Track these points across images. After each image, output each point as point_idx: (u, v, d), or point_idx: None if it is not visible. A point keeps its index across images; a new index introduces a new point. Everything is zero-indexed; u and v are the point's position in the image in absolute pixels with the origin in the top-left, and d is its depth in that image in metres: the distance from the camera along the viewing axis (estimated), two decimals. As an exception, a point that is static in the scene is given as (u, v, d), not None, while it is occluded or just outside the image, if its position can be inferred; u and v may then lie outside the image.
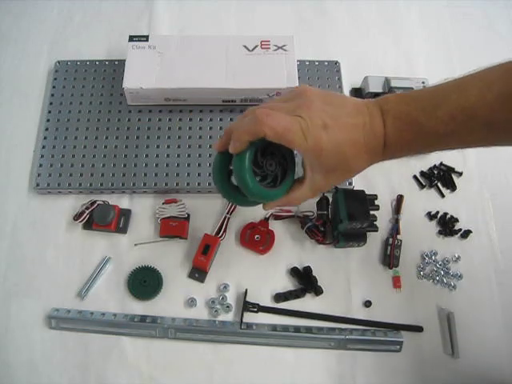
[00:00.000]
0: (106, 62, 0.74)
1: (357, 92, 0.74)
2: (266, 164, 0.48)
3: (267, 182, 0.48)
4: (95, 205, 0.63)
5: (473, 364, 0.59)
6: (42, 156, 0.67)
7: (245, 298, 0.59)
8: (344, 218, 0.57)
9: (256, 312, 0.59)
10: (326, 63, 0.75)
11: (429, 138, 0.44)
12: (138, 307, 0.60)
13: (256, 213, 0.65)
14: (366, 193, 0.60)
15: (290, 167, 0.49)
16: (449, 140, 0.45)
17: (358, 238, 0.61)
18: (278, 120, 0.43)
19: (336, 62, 0.75)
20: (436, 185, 0.68)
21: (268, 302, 0.60)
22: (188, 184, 0.65)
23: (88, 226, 0.63)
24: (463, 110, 0.42)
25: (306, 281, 0.61)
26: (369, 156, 0.46)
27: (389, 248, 0.63)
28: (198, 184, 0.66)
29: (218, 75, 0.68)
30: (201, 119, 0.70)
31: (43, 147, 0.67)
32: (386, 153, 0.46)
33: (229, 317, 0.60)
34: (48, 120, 0.69)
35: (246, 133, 0.44)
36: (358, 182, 0.67)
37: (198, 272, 0.61)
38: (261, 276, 0.62)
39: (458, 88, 0.44)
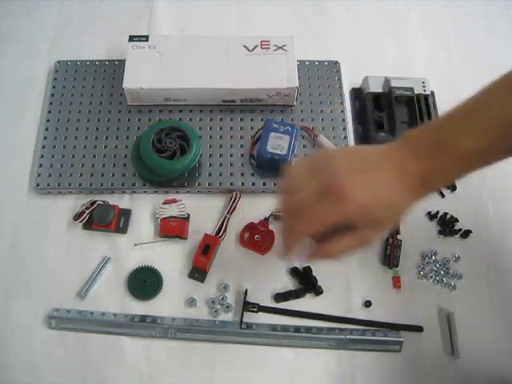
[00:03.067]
0: (106, 62, 0.74)
1: (357, 92, 0.74)
2: (166, 142, 0.63)
3: (166, 155, 0.63)
4: (95, 205, 0.63)
5: (473, 364, 0.58)
6: (42, 156, 0.67)
7: (245, 297, 0.59)
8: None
9: (256, 312, 0.59)
10: (326, 63, 0.75)
11: (466, 158, 0.43)
12: (138, 307, 0.60)
13: (256, 213, 0.65)
14: (366, 193, 0.60)
15: (190, 147, 0.63)
16: (487, 155, 0.44)
17: (358, 238, 0.61)
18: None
19: (336, 62, 0.75)
20: (436, 185, 0.68)
21: (268, 302, 0.60)
22: (188, 184, 0.66)
23: (88, 226, 0.63)
24: (495, 121, 0.42)
25: (306, 281, 0.61)
26: (412, 195, 0.44)
27: (389, 248, 0.63)
28: (198, 184, 0.66)
29: (218, 75, 0.68)
30: (201, 119, 0.70)
31: (43, 147, 0.67)
32: (430, 185, 0.45)
33: (229, 317, 0.60)
34: (48, 120, 0.69)
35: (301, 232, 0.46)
36: (358, 182, 0.67)
37: (198, 272, 0.61)
38: (261, 276, 0.62)
39: (482, 101, 0.43)
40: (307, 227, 0.45)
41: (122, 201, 0.66)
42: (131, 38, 0.70)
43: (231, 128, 0.69)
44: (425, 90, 0.71)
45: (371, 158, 0.45)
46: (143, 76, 0.67)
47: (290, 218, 0.46)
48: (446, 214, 0.66)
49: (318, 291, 0.60)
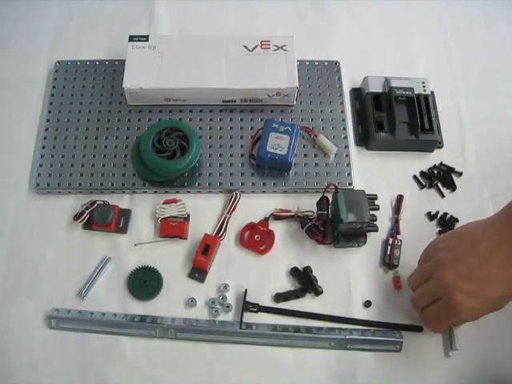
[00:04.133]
0: (106, 62, 0.74)
1: (357, 92, 0.74)
2: (166, 142, 0.63)
3: (166, 155, 0.63)
4: (95, 205, 0.63)
5: (473, 364, 0.58)
6: (42, 156, 0.67)
7: (245, 297, 0.59)
8: (344, 218, 0.57)
9: (256, 312, 0.59)
10: (326, 63, 0.75)
11: None
12: (138, 307, 0.60)
13: (256, 213, 0.65)
14: (366, 193, 0.60)
15: (190, 147, 0.63)
16: None
17: (358, 238, 0.61)
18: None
19: (336, 62, 0.75)
20: (436, 185, 0.68)
21: (268, 302, 0.60)
22: (188, 184, 0.66)
23: (88, 226, 0.63)
24: None
25: (305, 281, 0.61)
26: None
27: (389, 248, 0.63)
28: (198, 184, 0.66)
29: (218, 75, 0.68)
30: (201, 119, 0.70)
31: (43, 147, 0.67)
32: None
33: (229, 317, 0.60)
34: (48, 120, 0.69)
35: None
36: (358, 182, 0.67)
37: (198, 272, 0.61)
38: (261, 276, 0.62)
39: None
40: (436, 327, 0.56)
41: (122, 201, 0.66)
42: (131, 38, 0.70)
43: (231, 128, 0.69)
44: (425, 90, 0.71)
45: (477, 245, 0.50)
46: (143, 76, 0.67)
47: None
48: (445, 214, 0.66)
49: (317, 291, 0.60)
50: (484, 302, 0.50)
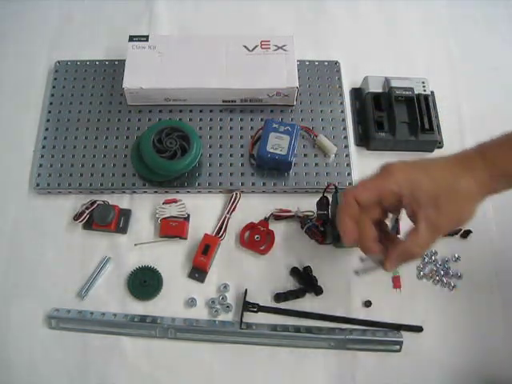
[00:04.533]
0: (106, 62, 0.74)
1: (357, 92, 0.74)
2: (167, 142, 0.63)
3: (167, 155, 0.63)
4: (95, 205, 0.63)
5: (473, 364, 0.58)
6: (42, 156, 0.67)
7: (245, 297, 0.59)
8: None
9: (256, 312, 0.59)
10: (326, 63, 0.75)
11: None
12: (138, 307, 0.60)
13: (256, 213, 0.65)
14: (366, 193, 0.60)
15: (190, 147, 0.63)
16: None
17: (357, 238, 0.61)
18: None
19: (336, 62, 0.75)
20: (436, 185, 0.68)
21: (268, 302, 0.60)
22: (188, 184, 0.66)
23: (88, 226, 0.63)
24: None
25: (305, 281, 0.61)
26: (474, 179, 0.46)
27: (389, 248, 0.63)
28: (198, 184, 0.66)
29: (218, 75, 0.68)
30: (201, 119, 0.70)
31: (43, 147, 0.67)
32: (490, 166, 0.46)
33: (229, 317, 0.60)
34: (48, 120, 0.69)
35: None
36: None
37: (198, 272, 0.61)
38: (261, 276, 0.62)
39: None
40: (358, 194, 0.48)
41: (122, 201, 0.66)
42: (131, 38, 0.70)
43: (231, 128, 0.69)
44: (425, 90, 0.71)
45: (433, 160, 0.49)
46: (143, 76, 0.67)
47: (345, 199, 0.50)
48: (446, 214, 0.66)
49: (318, 291, 0.60)
50: (419, 175, 0.47)
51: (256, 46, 0.70)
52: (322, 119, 0.71)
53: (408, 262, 0.50)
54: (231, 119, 0.70)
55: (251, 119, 0.70)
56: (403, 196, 0.47)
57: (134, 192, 0.66)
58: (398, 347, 0.58)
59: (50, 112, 0.70)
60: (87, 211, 0.62)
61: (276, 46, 0.70)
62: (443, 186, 0.46)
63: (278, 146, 0.64)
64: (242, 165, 0.67)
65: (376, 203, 0.49)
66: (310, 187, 0.66)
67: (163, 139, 0.64)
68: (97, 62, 0.74)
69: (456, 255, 0.64)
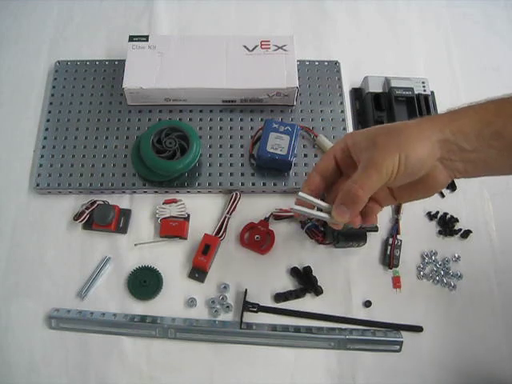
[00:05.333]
0: (106, 62, 0.74)
1: (357, 92, 0.74)
2: (166, 142, 0.63)
3: (166, 156, 0.63)
4: (95, 205, 0.63)
5: (473, 364, 0.58)
6: (42, 156, 0.67)
7: (245, 297, 0.59)
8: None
9: (256, 312, 0.59)
10: (326, 63, 0.75)
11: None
12: (138, 307, 0.60)
13: (256, 213, 0.65)
14: (366, 193, 0.60)
15: (190, 147, 0.63)
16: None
17: (357, 238, 0.61)
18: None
19: (336, 62, 0.75)
20: (436, 185, 0.68)
21: (268, 302, 0.60)
22: (188, 184, 0.66)
23: (88, 226, 0.63)
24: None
25: (305, 281, 0.61)
26: (424, 136, 0.43)
27: (389, 248, 0.63)
28: (198, 184, 0.66)
29: (217, 75, 0.68)
30: (201, 119, 0.70)
31: (43, 147, 0.67)
32: (446, 119, 0.44)
33: (229, 317, 0.60)
34: (48, 120, 0.69)
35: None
36: (358, 182, 0.67)
37: (198, 272, 0.61)
38: (261, 276, 0.62)
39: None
40: (316, 166, 0.50)
41: (122, 201, 0.66)
42: (131, 38, 0.70)
43: (231, 128, 0.69)
44: (425, 90, 0.71)
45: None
46: (143, 76, 0.67)
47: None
48: (445, 214, 0.66)
49: (318, 291, 0.60)
50: (376, 130, 0.46)
51: (256, 46, 0.70)
52: (321, 119, 0.71)
53: (353, 206, 0.45)
54: (231, 119, 0.70)
55: (251, 119, 0.70)
56: (349, 147, 0.47)
57: (134, 192, 0.66)
58: (397, 347, 0.58)
59: (50, 112, 0.70)
60: (87, 211, 0.62)
61: (276, 46, 0.70)
62: (384, 127, 0.46)
63: (278, 146, 0.64)
64: (242, 165, 0.67)
65: (334, 170, 0.50)
66: (310, 187, 0.66)
67: (163, 139, 0.64)
68: (97, 62, 0.74)
69: (456, 255, 0.64)
